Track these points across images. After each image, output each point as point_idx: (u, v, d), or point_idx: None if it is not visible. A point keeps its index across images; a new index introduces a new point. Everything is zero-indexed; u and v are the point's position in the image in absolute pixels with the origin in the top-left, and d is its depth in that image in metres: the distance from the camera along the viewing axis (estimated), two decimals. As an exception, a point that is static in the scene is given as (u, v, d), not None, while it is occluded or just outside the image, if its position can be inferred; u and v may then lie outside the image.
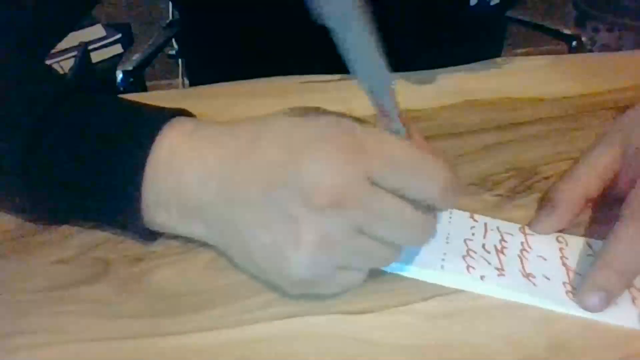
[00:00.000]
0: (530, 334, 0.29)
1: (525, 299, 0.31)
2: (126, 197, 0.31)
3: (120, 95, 0.36)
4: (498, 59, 0.57)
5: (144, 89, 0.93)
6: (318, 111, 0.30)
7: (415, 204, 0.29)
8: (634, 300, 0.31)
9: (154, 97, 0.57)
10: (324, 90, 0.50)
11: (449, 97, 0.49)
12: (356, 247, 0.29)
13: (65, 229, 0.35)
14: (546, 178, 0.40)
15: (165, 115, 0.32)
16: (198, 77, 0.78)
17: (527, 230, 0.36)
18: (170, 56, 1.08)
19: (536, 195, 0.39)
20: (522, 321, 0.30)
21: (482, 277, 0.32)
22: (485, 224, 0.36)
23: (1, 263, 0.33)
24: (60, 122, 0.32)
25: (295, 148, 0.28)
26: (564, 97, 0.50)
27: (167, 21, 1.04)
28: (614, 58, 0.61)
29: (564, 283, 0.32)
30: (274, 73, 0.53)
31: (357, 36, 0.24)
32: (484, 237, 0.35)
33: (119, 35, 1.66)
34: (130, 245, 0.34)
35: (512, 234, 0.35)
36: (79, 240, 0.35)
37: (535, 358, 0.28)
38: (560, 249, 0.34)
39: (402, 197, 0.29)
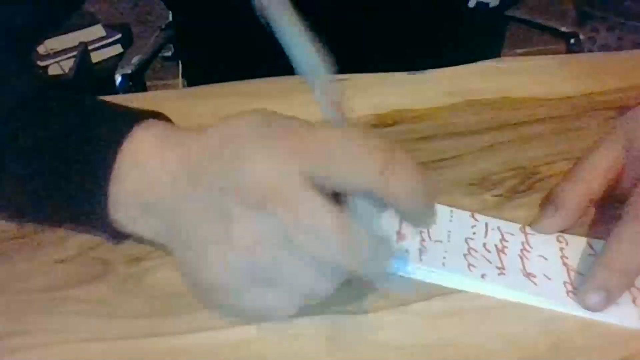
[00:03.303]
0: (530, 334, 0.29)
1: (525, 298, 0.31)
2: (95, 191, 0.31)
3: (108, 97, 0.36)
4: (498, 59, 0.57)
5: (144, 89, 0.93)
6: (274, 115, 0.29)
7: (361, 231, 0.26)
8: (634, 300, 0.31)
9: (154, 97, 0.57)
10: (324, 90, 0.50)
11: (449, 97, 0.49)
12: (280, 257, 0.26)
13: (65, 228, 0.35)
14: (546, 178, 0.40)
15: (138, 116, 0.32)
16: (194, 79, 0.78)
17: (528, 230, 0.36)
18: (166, 58, 1.07)
19: (536, 195, 0.39)
20: (522, 321, 0.30)
21: (483, 276, 0.32)
22: (486, 224, 0.36)
23: (1, 263, 0.33)
24: (33, 117, 0.32)
25: (233, 144, 0.28)
26: (564, 97, 0.50)
27: (167, 22, 1.03)
28: (614, 58, 0.61)
29: (564, 283, 0.32)
30: (275, 73, 0.53)
31: (291, 31, 0.25)
32: (485, 236, 0.35)
33: (119, 36, 1.66)
34: (130, 246, 0.34)
35: (512, 234, 0.35)
36: (79, 240, 0.35)
37: (535, 358, 0.28)
38: (561, 249, 0.34)
39: (345, 195, 0.27)
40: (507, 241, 0.35)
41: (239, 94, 0.51)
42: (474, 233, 0.35)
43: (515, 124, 0.46)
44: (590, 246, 0.35)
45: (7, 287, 0.32)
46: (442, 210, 0.37)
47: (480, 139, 0.44)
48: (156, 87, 1.53)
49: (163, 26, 1.01)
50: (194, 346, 0.29)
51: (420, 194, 0.27)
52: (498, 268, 0.33)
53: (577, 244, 0.35)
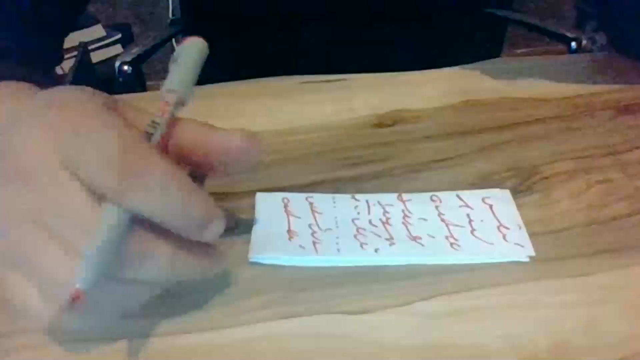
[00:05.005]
0: (530, 334, 0.29)
1: (417, 260, 0.33)
2: None
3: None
4: (498, 59, 0.57)
5: (144, 88, 0.93)
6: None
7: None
8: (504, 237, 0.34)
9: (154, 97, 0.57)
10: (324, 90, 0.50)
11: (449, 97, 0.49)
12: (24, 235, 0.25)
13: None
14: (546, 178, 0.40)
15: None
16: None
17: (405, 197, 0.38)
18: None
19: (536, 195, 0.39)
20: (522, 321, 0.30)
21: (376, 250, 0.34)
22: (367, 201, 0.38)
23: (1, 263, 0.33)
24: None
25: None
26: (564, 97, 0.50)
27: (168, 21, 1.03)
28: (614, 58, 0.61)
29: (446, 237, 0.35)
30: (275, 73, 0.53)
31: None
32: (369, 213, 0.37)
33: (119, 36, 1.66)
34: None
35: (392, 204, 0.37)
36: (78, 240, 0.35)
37: (536, 358, 0.28)
38: (437, 207, 0.37)
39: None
40: (388, 212, 0.37)
41: (240, 94, 0.51)
42: (358, 213, 0.37)
43: (515, 124, 0.46)
44: (460, 198, 0.37)
45: (7, 287, 0.32)
46: (325, 198, 0.38)
47: (480, 139, 0.44)
48: (156, 87, 1.53)
49: (165, 25, 1.01)
50: (194, 346, 0.29)
51: (178, 212, 0.24)
52: (387, 239, 0.34)
53: (448, 199, 0.37)
